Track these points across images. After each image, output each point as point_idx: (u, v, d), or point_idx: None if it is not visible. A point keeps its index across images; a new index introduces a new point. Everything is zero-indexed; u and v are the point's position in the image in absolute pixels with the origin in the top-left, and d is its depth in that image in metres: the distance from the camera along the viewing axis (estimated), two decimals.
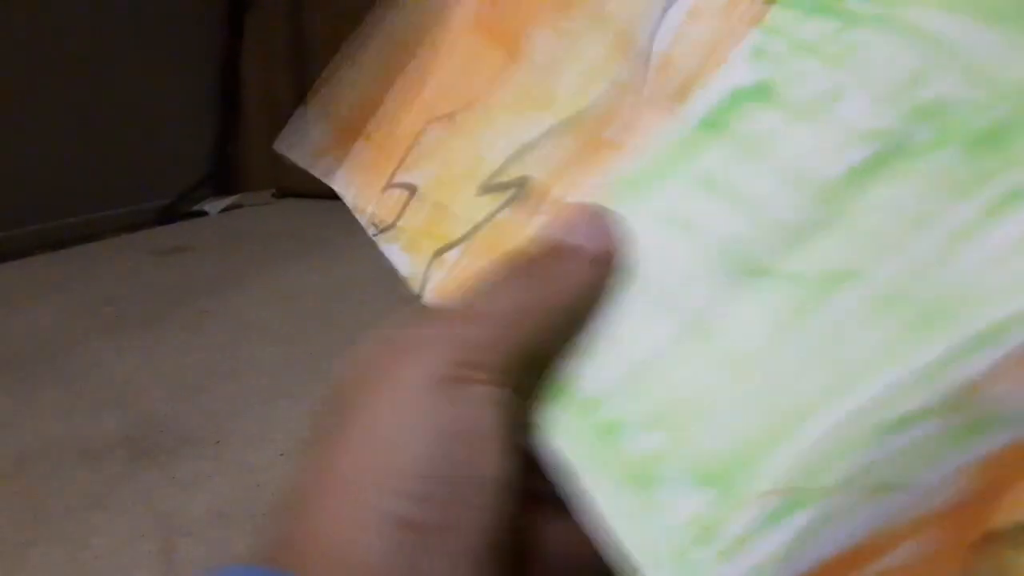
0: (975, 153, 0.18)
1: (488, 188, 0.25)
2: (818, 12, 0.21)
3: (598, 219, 0.19)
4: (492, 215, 0.24)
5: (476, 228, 0.24)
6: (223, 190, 1.55)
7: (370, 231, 0.29)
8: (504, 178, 0.25)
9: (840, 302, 0.18)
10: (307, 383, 0.66)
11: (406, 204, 0.28)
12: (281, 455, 0.54)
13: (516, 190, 0.24)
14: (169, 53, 1.42)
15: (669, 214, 0.21)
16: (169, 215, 1.41)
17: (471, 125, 0.27)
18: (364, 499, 0.16)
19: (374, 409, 0.17)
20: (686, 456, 0.18)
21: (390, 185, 0.29)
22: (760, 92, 0.21)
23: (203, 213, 1.45)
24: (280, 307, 0.89)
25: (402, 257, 0.26)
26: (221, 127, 1.55)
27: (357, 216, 0.30)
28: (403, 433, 0.16)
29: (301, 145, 0.33)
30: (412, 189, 0.28)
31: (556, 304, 0.17)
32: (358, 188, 0.31)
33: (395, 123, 0.30)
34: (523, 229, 0.23)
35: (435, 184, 0.27)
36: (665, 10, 0.24)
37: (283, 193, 1.59)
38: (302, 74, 1.54)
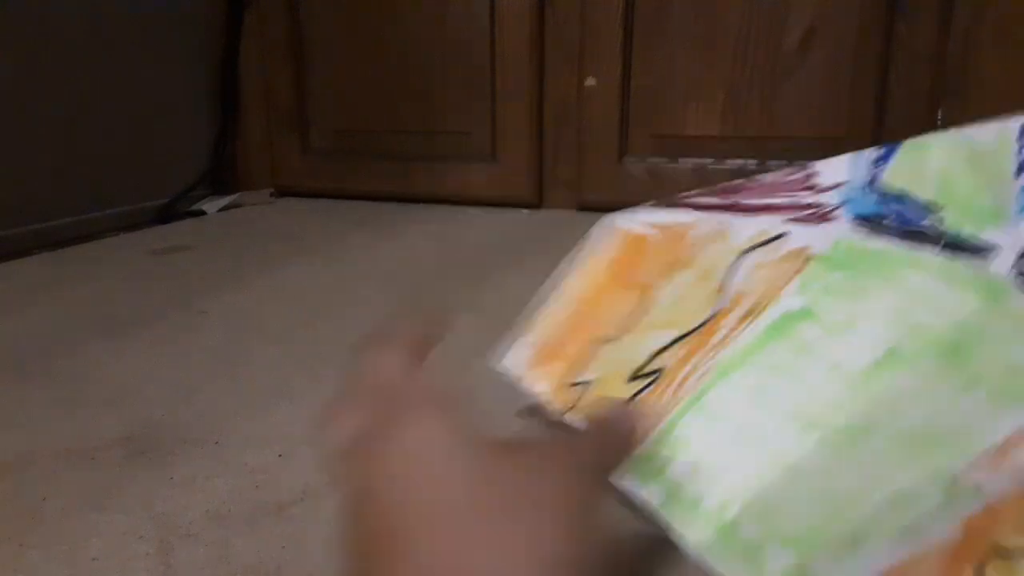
0: (941, 364, 0.29)
1: (635, 377, 0.39)
2: (837, 268, 0.34)
3: (640, 417, 0.31)
4: (637, 394, 0.37)
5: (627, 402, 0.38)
6: (221, 189, 1.54)
7: (556, 416, 0.43)
8: (646, 370, 0.38)
9: (870, 442, 0.28)
10: (307, 383, 0.66)
11: (581, 395, 0.42)
12: (280, 456, 0.54)
13: (655, 376, 0.37)
14: (167, 51, 1.42)
15: (753, 387, 0.32)
16: (167, 214, 1.40)
17: (627, 341, 0.41)
18: (519, 547, 0.21)
19: (535, 478, 0.23)
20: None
21: (572, 384, 0.43)
22: (804, 315, 0.33)
23: (201, 212, 1.45)
24: (279, 307, 0.88)
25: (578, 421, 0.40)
26: (220, 126, 1.54)
27: (547, 407, 0.45)
28: (559, 506, 0.22)
29: (511, 362, 0.49)
30: (587, 384, 0.42)
31: (625, 455, 0.28)
32: (551, 392, 0.45)
33: (571, 345, 0.45)
34: (657, 402, 0.37)
35: (601, 380, 0.41)
36: (739, 261, 0.37)
37: (281, 192, 1.58)
38: (301, 73, 1.54)
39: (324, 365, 0.70)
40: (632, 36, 1.34)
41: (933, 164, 0.35)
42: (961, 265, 0.32)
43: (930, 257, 0.32)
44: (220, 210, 1.46)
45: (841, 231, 0.35)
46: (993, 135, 0.34)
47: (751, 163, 1.30)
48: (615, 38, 1.34)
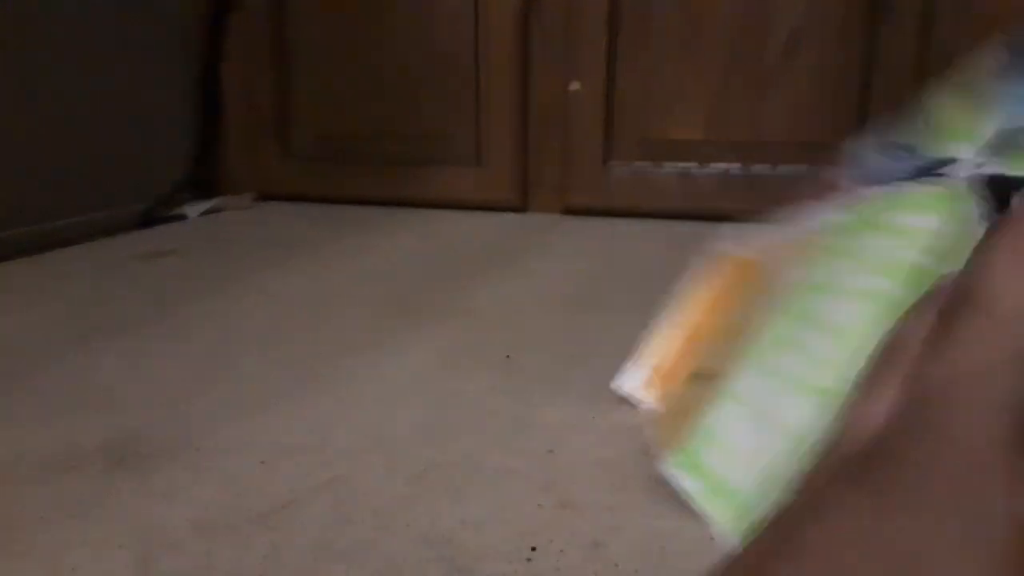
0: (910, 297, 0.28)
1: (692, 379, 0.43)
2: (839, 232, 0.34)
3: None
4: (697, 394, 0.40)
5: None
6: (203, 194, 1.53)
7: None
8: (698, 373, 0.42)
9: None
10: (290, 389, 0.66)
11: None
12: (262, 463, 0.53)
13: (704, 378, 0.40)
14: (150, 55, 1.40)
15: (766, 366, 0.34)
16: (149, 219, 1.39)
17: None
18: None
19: None
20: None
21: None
22: (805, 284, 0.34)
23: (182, 217, 1.43)
24: (263, 312, 0.88)
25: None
26: (202, 130, 1.53)
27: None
28: None
29: (627, 383, 0.52)
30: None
31: None
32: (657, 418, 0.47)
33: (675, 375, 0.47)
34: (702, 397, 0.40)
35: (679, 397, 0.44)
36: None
37: (263, 197, 1.57)
38: (285, 77, 1.53)
39: (306, 371, 0.69)
40: (617, 40, 1.34)
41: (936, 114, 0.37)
42: (930, 186, 0.33)
43: (911, 190, 0.33)
44: (201, 214, 1.45)
45: (851, 196, 0.37)
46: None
47: (735, 167, 1.31)
48: (600, 42, 1.34)
